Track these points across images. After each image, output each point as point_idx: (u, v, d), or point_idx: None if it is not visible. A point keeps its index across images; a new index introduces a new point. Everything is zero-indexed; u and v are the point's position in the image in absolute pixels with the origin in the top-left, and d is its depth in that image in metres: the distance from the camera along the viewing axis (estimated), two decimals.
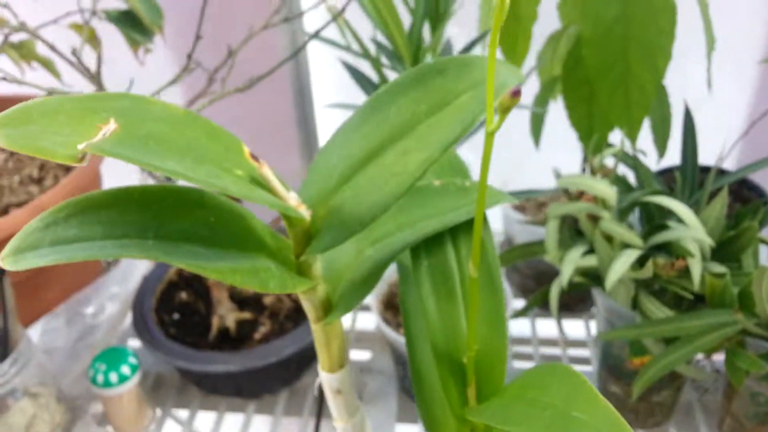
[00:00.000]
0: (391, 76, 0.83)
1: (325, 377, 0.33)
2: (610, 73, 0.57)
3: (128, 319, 0.76)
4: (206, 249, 0.27)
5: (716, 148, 0.76)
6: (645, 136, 0.67)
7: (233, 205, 0.30)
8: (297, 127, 0.88)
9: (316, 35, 0.60)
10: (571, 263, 0.51)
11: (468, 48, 0.60)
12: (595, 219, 0.53)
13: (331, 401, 0.35)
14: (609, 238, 0.52)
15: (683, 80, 0.68)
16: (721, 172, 0.67)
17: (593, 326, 0.76)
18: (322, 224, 0.28)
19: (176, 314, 0.69)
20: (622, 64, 0.56)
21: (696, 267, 0.49)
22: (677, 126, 0.70)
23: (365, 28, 0.78)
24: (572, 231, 0.55)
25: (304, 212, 0.28)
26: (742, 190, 0.68)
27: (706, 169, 0.68)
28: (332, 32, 0.76)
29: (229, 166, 0.27)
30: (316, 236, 0.28)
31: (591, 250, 0.53)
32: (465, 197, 0.32)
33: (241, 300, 0.69)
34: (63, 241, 0.23)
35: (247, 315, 0.67)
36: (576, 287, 0.56)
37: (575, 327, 0.77)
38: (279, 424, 0.66)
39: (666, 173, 0.68)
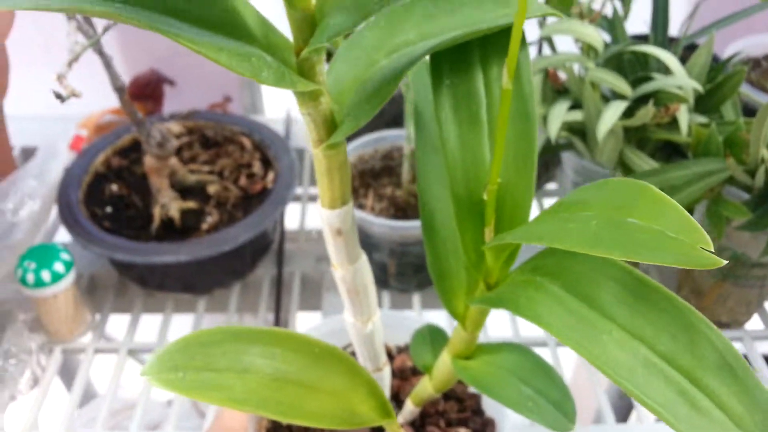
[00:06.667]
0: None
1: (325, 215, 0.29)
2: None
3: (52, 215, 0.67)
4: (184, 23, 0.21)
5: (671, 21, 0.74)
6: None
7: None
8: None
9: None
10: (558, 118, 0.47)
11: None
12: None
13: (331, 244, 0.30)
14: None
15: None
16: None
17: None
18: (329, 6, 0.23)
19: (108, 208, 0.61)
20: None
21: (684, 114, 0.47)
22: None
23: None
24: (550, 87, 0.51)
25: None
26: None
27: (671, 40, 0.65)
28: None
29: None
30: (321, 21, 0.23)
31: (574, 106, 0.49)
32: (505, 7, 0.27)
33: (183, 189, 0.62)
34: None
35: (191, 204, 0.61)
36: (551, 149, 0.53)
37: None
38: (232, 323, 0.62)
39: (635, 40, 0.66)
